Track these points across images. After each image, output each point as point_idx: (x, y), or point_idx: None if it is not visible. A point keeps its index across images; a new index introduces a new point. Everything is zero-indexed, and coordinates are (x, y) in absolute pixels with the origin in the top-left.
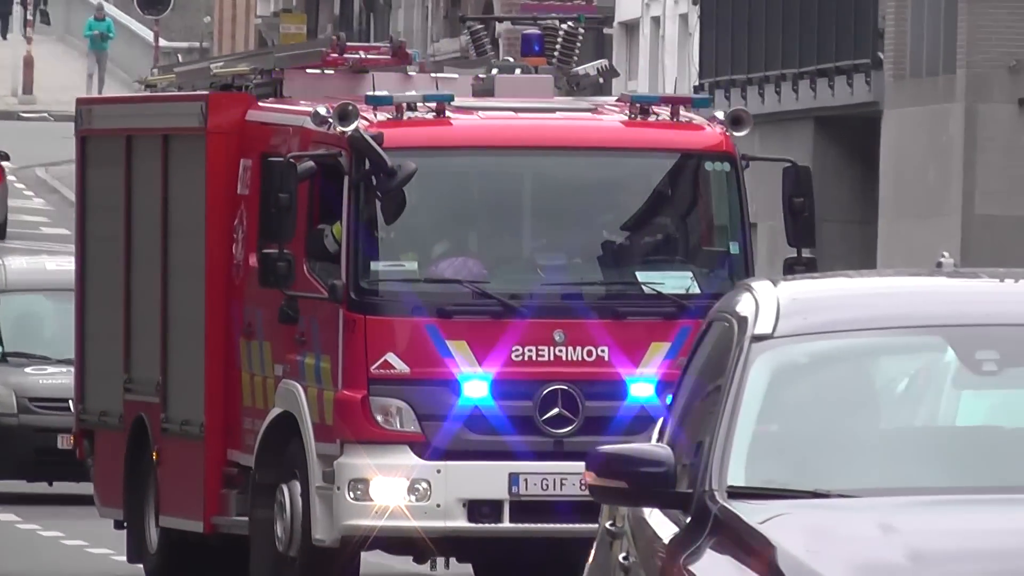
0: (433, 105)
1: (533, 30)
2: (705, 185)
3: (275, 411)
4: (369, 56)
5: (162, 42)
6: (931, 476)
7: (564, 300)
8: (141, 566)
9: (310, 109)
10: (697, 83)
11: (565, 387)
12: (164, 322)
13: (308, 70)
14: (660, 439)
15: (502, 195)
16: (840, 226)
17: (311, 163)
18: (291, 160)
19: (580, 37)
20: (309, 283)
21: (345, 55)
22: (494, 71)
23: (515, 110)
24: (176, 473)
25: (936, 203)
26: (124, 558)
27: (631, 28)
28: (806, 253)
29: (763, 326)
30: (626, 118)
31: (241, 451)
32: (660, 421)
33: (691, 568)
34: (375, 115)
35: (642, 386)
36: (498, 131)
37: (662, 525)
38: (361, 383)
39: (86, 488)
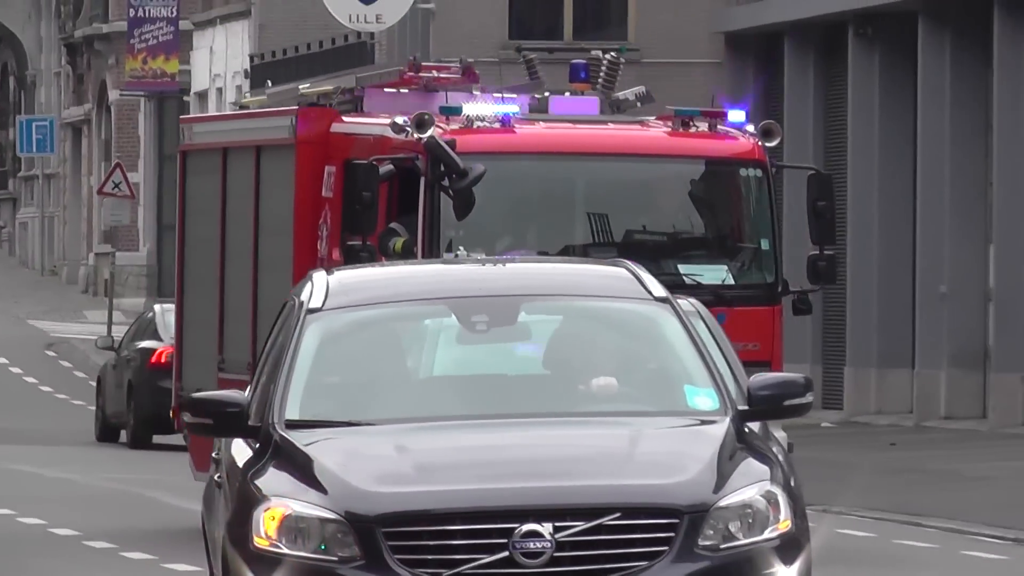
0: (500, 116)
1: (580, 60)
2: (739, 189)
3: None
4: (441, 75)
5: None
6: (437, 408)
7: None
8: None
9: (388, 120)
10: None
11: None
12: (255, 309)
13: (386, 89)
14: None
15: (560, 195)
16: None
17: (391, 166)
18: (373, 163)
19: (621, 66)
20: None
21: (420, 74)
22: (547, 93)
23: (572, 122)
24: None
25: None
26: None
27: (202, 96)
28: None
29: (315, 302)
30: (670, 130)
31: None
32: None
33: (256, 482)
34: (448, 124)
35: None
36: (557, 139)
37: (241, 452)
38: None
39: None
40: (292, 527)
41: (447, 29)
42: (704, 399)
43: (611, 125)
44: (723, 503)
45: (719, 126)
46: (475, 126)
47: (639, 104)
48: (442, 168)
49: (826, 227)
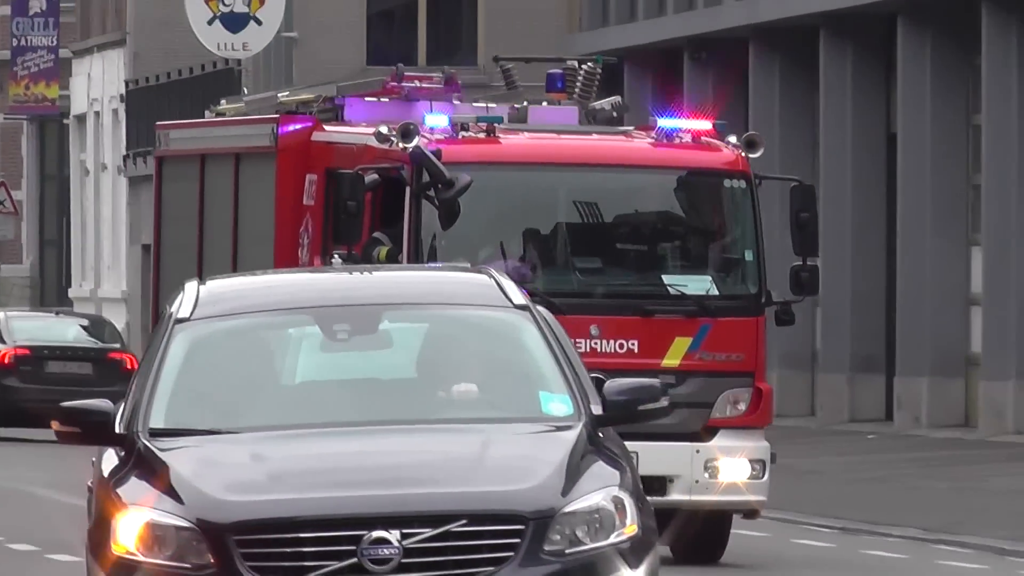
0: (484, 126)
1: (557, 69)
2: (723, 200)
3: None
4: (424, 85)
5: None
6: (296, 416)
7: (600, 299)
8: None
9: (372, 130)
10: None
11: (599, 376)
12: None
13: (366, 98)
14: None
15: (545, 206)
16: None
17: (375, 176)
18: (359, 172)
19: (599, 76)
20: None
21: (403, 83)
22: (525, 103)
23: (557, 132)
24: None
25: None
26: None
27: (81, 119)
28: (810, 261)
29: (184, 312)
30: (654, 140)
31: None
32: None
33: (118, 490)
34: (432, 134)
35: (667, 376)
36: (543, 149)
37: (109, 460)
38: None
39: None
40: (149, 535)
41: (308, 56)
42: (559, 405)
43: (595, 136)
44: (570, 508)
45: (703, 137)
46: (460, 136)
47: (615, 114)
48: (428, 178)
49: (808, 238)
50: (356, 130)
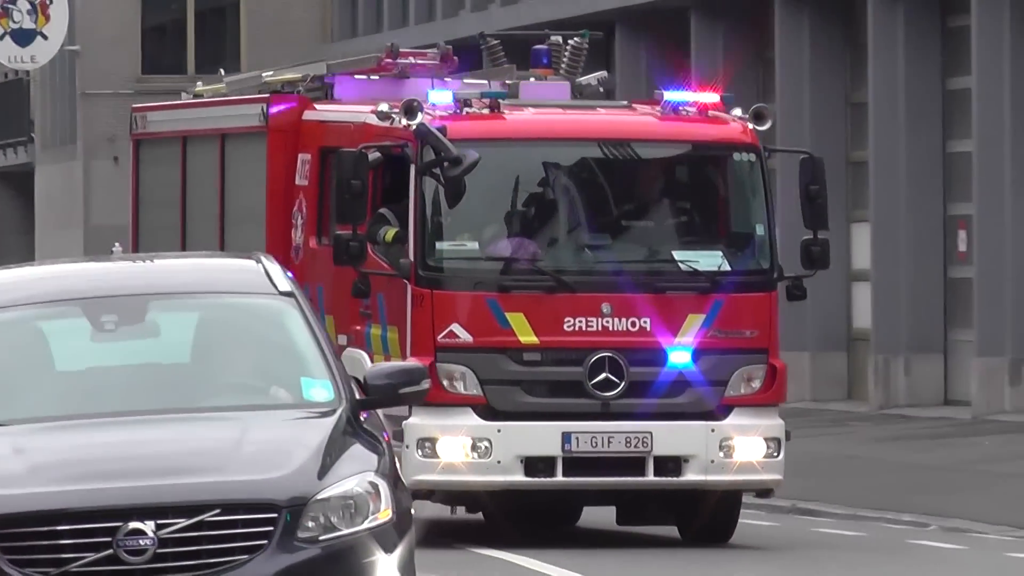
0: (487, 102)
1: (541, 46)
2: (733, 174)
3: None
4: (419, 61)
5: None
6: (62, 408)
7: (611, 276)
8: None
9: (368, 108)
10: None
11: (611, 354)
12: None
13: (356, 76)
14: None
15: (553, 182)
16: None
17: (378, 154)
18: (363, 151)
19: (585, 51)
20: (375, 262)
21: (397, 60)
22: (516, 79)
23: (562, 107)
24: None
25: (67, 221)
26: None
27: None
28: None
29: None
30: (660, 115)
31: None
32: None
33: None
34: (436, 111)
35: (680, 353)
36: (549, 125)
37: None
38: (428, 351)
39: None
40: None
41: (90, 66)
42: (320, 390)
43: (602, 110)
44: (323, 495)
45: (709, 111)
46: (464, 112)
47: (601, 89)
48: (433, 156)
49: (819, 211)
50: (351, 108)
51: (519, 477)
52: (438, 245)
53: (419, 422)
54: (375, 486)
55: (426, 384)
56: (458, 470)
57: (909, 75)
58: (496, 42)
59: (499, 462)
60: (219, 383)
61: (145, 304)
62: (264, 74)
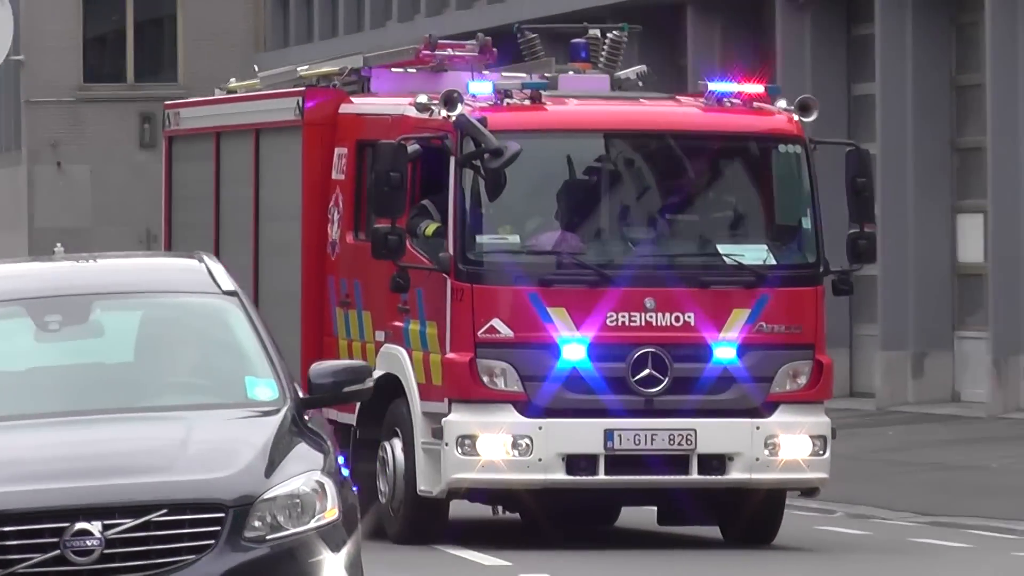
0: (528, 93)
1: (579, 39)
2: (778, 166)
3: (377, 373)
4: (457, 53)
5: None
6: (7, 408)
7: (654, 270)
8: None
9: (406, 100)
10: None
11: (655, 350)
12: (256, 295)
13: (393, 69)
14: None
15: (595, 174)
16: None
17: (417, 146)
18: (402, 142)
19: (624, 45)
20: (414, 256)
21: (435, 52)
22: (555, 72)
23: (603, 98)
24: None
25: (12, 224)
26: None
27: None
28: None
29: None
30: (704, 106)
31: (336, 410)
32: None
33: None
34: (476, 102)
35: (725, 349)
36: (592, 116)
37: None
38: (468, 346)
39: None
40: None
41: (34, 75)
42: (264, 389)
43: (644, 101)
44: (270, 494)
45: (754, 102)
46: (505, 103)
47: (640, 83)
48: (474, 147)
49: (865, 204)
50: (389, 100)
51: (560, 476)
52: (478, 238)
53: (459, 419)
54: (321, 485)
55: (370, 383)
56: (498, 468)
57: (916, 69)
58: (534, 35)
59: (540, 460)
60: (163, 382)
61: (89, 304)
62: (299, 68)
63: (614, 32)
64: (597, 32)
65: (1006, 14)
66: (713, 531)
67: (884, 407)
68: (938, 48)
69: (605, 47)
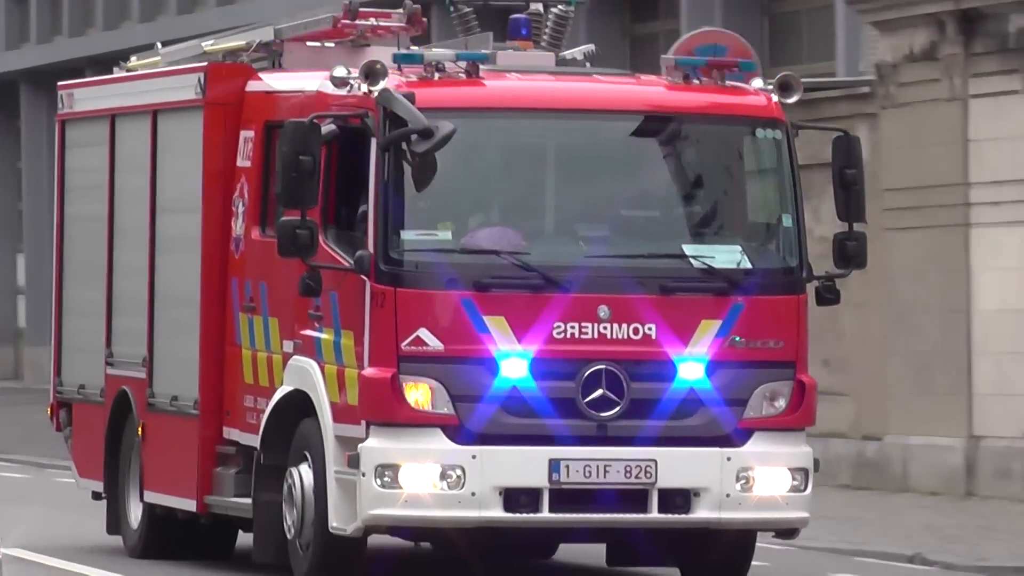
0: (464, 65)
1: (520, 15)
2: (755, 153)
3: (284, 389)
4: (382, 23)
5: None
6: None
7: (609, 274)
8: (120, 538)
9: (321, 75)
10: None
11: (609, 367)
12: (151, 297)
13: (308, 43)
14: None
15: (541, 161)
16: None
17: (333, 126)
18: (314, 121)
19: (570, 21)
20: (328, 254)
21: (356, 22)
22: (493, 48)
23: (551, 74)
24: (164, 449)
25: None
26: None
27: None
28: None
29: None
30: (668, 83)
31: (239, 429)
32: None
33: None
34: (402, 75)
35: (691, 366)
36: (538, 93)
37: None
38: (390, 360)
39: None
40: None
41: None
42: None
43: (599, 77)
44: None
45: (727, 80)
46: (436, 77)
47: (588, 64)
48: (399, 127)
49: (855, 199)
50: (303, 75)
51: (497, 513)
52: (403, 234)
53: (378, 445)
54: None
55: None
56: (424, 503)
57: None
58: (469, 9)
59: (473, 494)
60: None
61: None
62: (204, 44)
63: (559, 7)
64: (539, 7)
65: None
66: (672, 572)
67: None
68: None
69: (549, 23)
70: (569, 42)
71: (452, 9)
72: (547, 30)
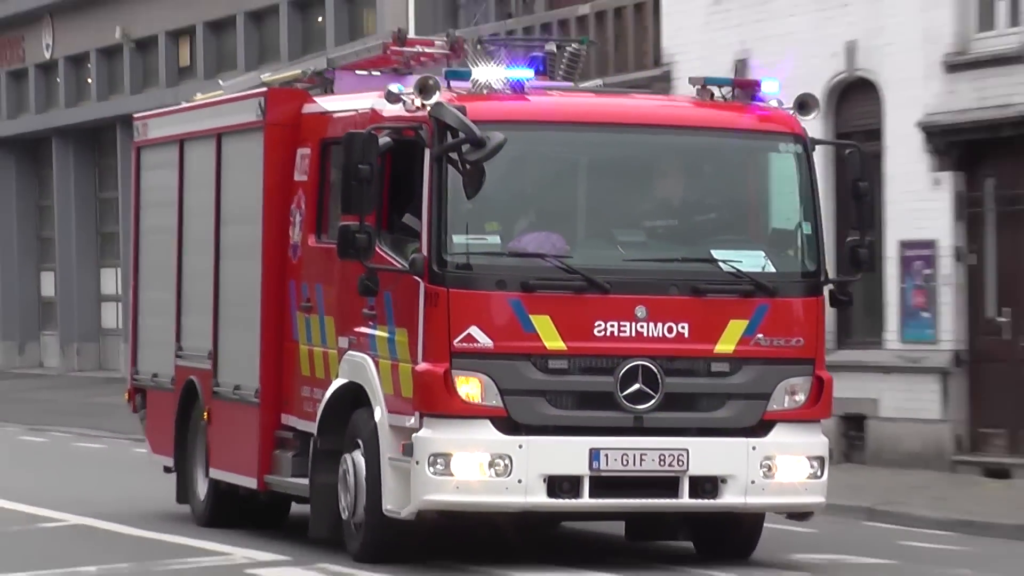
0: (511, 83)
1: (537, 54)
2: (777, 166)
3: (339, 381)
4: (426, 50)
5: None
6: None
7: (646, 277)
8: (188, 506)
9: (374, 94)
10: None
11: (646, 363)
12: (215, 298)
13: (357, 71)
14: None
15: (582, 171)
16: None
17: (388, 139)
18: (372, 132)
19: (582, 58)
20: (384, 257)
21: (404, 48)
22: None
23: (591, 92)
24: (227, 432)
25: None
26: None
27: None
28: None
29: None
30: (697, 100)
31: (297, 416)
32: None
33: None
34: (453, 91)
35: (720, 363)
36: (580, 108)
37: None
38: (443, 356)
39: None
40: None
41: None
42: None
43: (635, 95)
44: None
45: (751, 98)
46: (485, 93)
47: None
48: (451, 138)
49: (867, 209)
50: (354, 97)
51: (541, 498)
52: (455, 238)
53: (432, 435)
54: None
55: None
56: (474, 489)
57: None
58: (494, 47)
59: (520, 481)
60: None
61: None
62: (262, 75)
63: (572, 46)
64: (553, 47)
65: None
66: (687, 547)
67: None
68: None
69: (564, 60)
70: (581, 77)
71: (478, 48)
72: (562, 66)
